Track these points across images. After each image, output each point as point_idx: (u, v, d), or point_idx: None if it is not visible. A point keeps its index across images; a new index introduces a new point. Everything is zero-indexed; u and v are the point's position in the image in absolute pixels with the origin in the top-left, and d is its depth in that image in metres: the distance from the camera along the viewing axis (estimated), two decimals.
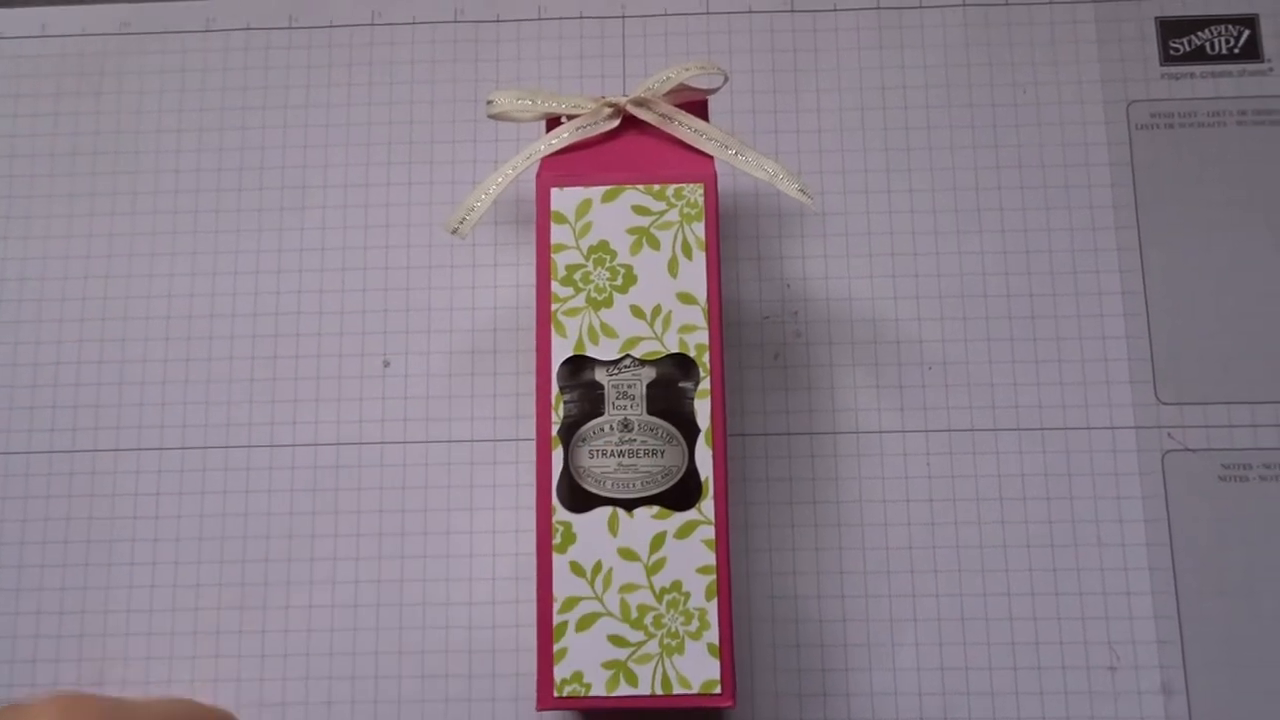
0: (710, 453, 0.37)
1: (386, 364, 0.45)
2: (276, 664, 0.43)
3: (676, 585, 0.36)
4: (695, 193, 0.38)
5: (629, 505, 0.36)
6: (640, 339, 0.37)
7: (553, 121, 0.42)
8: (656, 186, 0.38)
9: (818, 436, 0.44)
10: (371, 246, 0.46)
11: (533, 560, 0.42)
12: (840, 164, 0.47)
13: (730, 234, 0.46)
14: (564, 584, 0.36)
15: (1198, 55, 0.47)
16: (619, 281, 0.38)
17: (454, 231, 0.41)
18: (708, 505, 0.36)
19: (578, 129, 0.41)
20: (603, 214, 0.38)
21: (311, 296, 0.46)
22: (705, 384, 0.37)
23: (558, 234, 0.38)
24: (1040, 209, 0.46)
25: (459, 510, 0.44)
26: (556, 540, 0.36)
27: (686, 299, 0.38)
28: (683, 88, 0.41)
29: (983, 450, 0.44)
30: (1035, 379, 0.44)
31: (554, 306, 0.38)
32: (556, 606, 0.36)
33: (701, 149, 0.40)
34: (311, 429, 0.45)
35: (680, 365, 0.37)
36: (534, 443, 0.43)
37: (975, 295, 0.45)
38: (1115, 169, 0.46)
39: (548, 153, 0.40)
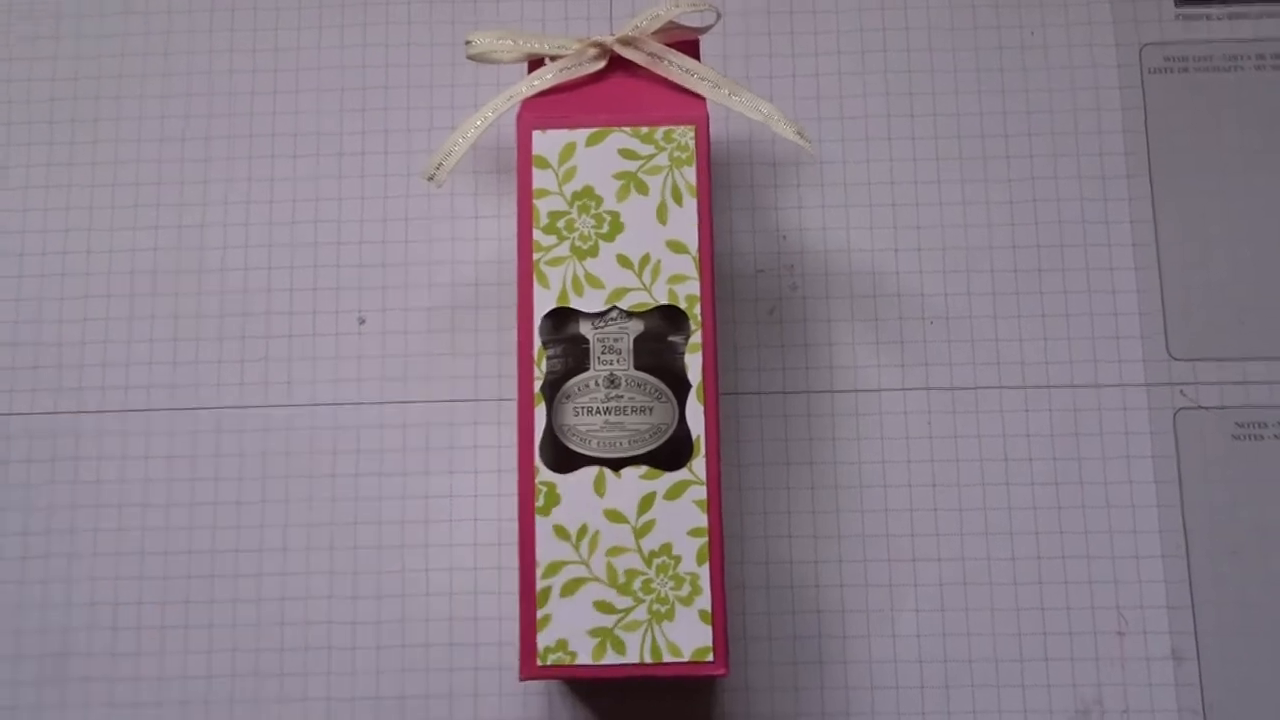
0: (702, 409, 0.35)
1: (362, 321, 0.43)
2: (249, 634, 0.41)
3: (666, 548, 0.34)
4: (686, 135, 0.36)
5: (616, 465, 0.35)
6: (627, 290, 0.35)
7: (535, 63, 0.40)
8: (645, 129, 0.36)
9: (814, 395, 0.42)
10: (345, 198, 0.44)
11: (516, 525, 0.40)
12: (839, 110, 0.44)
13: (723, 183, 0.44)
14: (547, 548, 0.34)
15: None
16: (605, 229, 0.36)
17: (430, 179, 0.39)
18: (699, 464, 0.35)
19: (562, 70, 0.38)
20: (587, 158, 0.36)
21: (282, 250, 0.44)
22: (696, 337, 0.35)
23: (540, 179, 0.36)
24: (1048, 156, 0.44)
25: (438, 474, 0.42)
26: (539, 502, 0.35)
27: (677, 247, 0.36)
28: (672, 26, 0.39)
29: (987, 409, 0.42)
30: (1042, 334, 0.42)
31: (536, 256, 0.36)
32: (539, 571, 0.34)
33: (693, 90, 0.38)
34: (284, 389, 0.43)
35: (670, 318, 0.36)
36: (516, 403, 0.41)
37: (980, 247, 0.43)
38: (1127, 115, 0.44)
39: (529, 94, 0.38)
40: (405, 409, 0.42)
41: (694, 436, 0.35)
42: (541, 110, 0.37)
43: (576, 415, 0.35)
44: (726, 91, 0.38)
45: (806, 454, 0.42)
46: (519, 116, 0.37)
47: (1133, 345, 0.42)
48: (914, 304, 0.43)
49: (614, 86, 0.38)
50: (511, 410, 0.42)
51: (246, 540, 0.42)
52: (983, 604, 0.41)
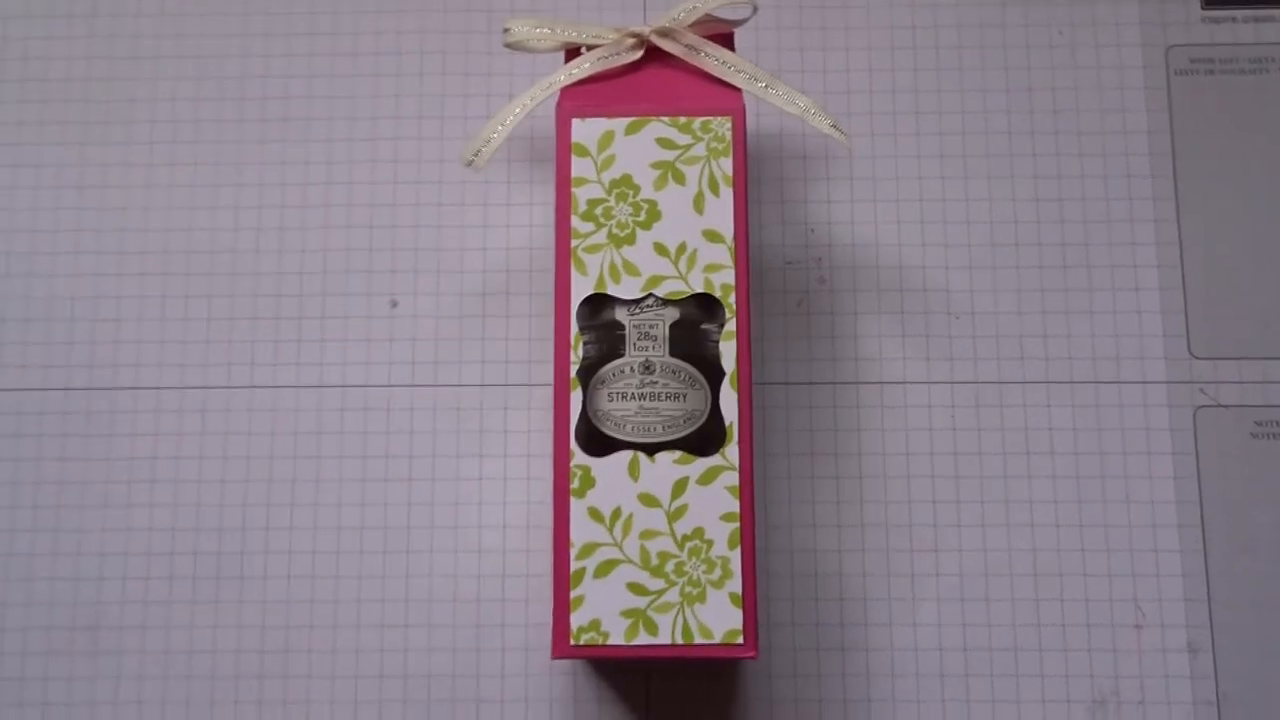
0: (735, 397, 0.35)
1: (394, 304, 0.44)
2: (279, 611, 0.41)
3: (699, 532, 0.35)
4: (723, 126, 0.37)
5: (650, 450, 0.35)
6: (664, 278, 0.36)
7: (571, 53, 0.40)
8: (683, 119, 0.37)
9: (840, 386, 0.43)
10: (379, 182, 0.44)
11: (545, 509, 0.41)
12: (868, 105, 0.45)
13: (753, 176, 0.44)
14: (582, 530, 0.35)
15: None
16: (642, 217, 0.36)
17: (469, 164, 0.39)
18: (732, 451, 0.35)
19: (599, 60, 0.39)
20: (626, 147, 0.37)
21: (316, 233, 0.44)
22: (731, 325, 0.36)
23: (578, 167, 0.36)
24: (1074, 155, 0.44)
25: (468, 457, 0.42)
26: (575, 485, 0.35)
27: (712, 237, 0.36)
28: (708, 19, 0.39)
29: (1010, 403, 0.43)
30: (1065, 331, 0.43)
31: (574, 243, 0.36)
32: (574, 553, 0.34)
33: (729, 81, 0.38)
34: (316, 371, 0.43)
35: (704, 306, 0.36)
36: (547, 389, 0.42)
37: (1005, 244, 0.44)
38: (1152, 116, 0.45)
39: (568, 83, 0.38)
40: (436, 392, 0.43)
41: (727, 423, 0.35)
42: (581, 98, 0.38)
43: (611, 400, 0.35)
44: (763, 84, 0.38)
45: (831, 445, 0.42)
46: (558, 104, 0.37)
47: (1155, 343, 0.43)
48: (940, 299, 0.43)
49: (651, 77, 0.39)
50: (542, 395, 0.43)
51: (276, 518, 0.42)
52: (1003, 594, 0.41)
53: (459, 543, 0.42)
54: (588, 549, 0.35)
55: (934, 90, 0.45)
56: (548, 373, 0.42)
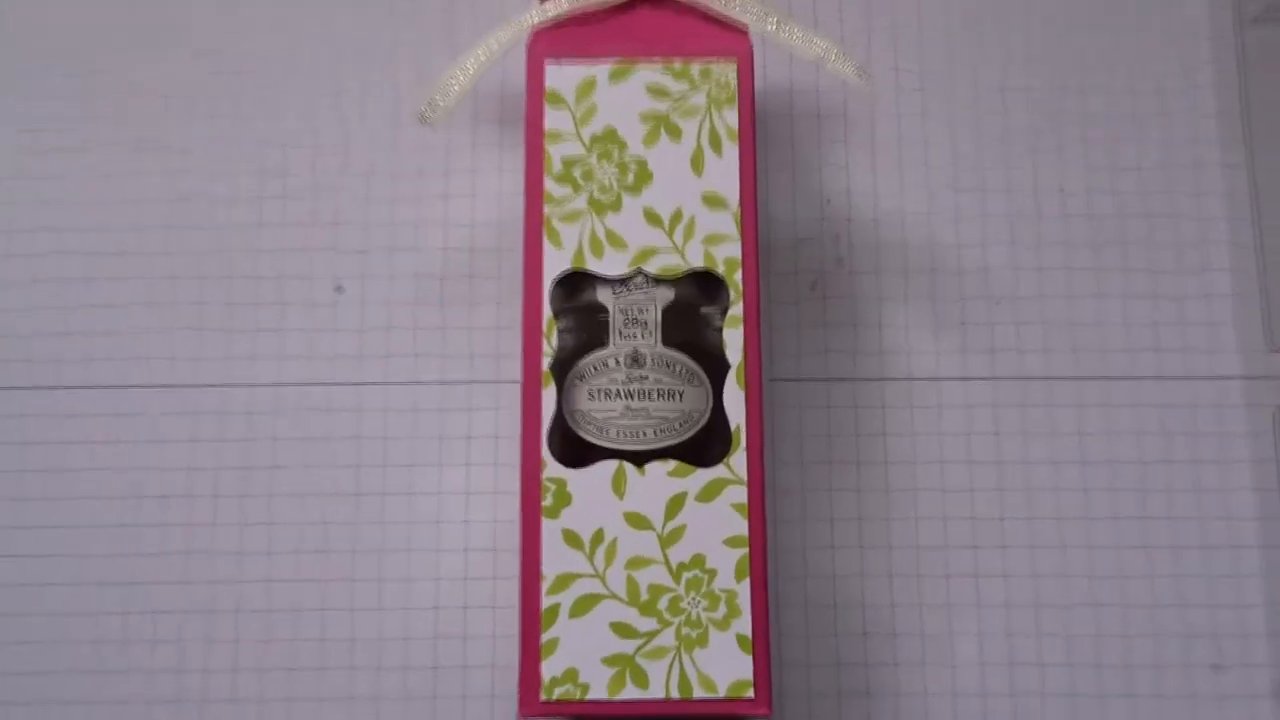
0: (742, 395, 0.31)
1: (339, 289, 0.39)
2: (196, 651, 0.36)
3: (699, 561, 0.30)
4: (726, 72, 0.33)
5: (639, 459, 0.30)
6: (655, 251, 0.32)
7: None
8: (678, 63, 0.33)
9: (862, 384, 0.38)
10: (323, 146, 0.39)
11: (515, 528, 0.36)
12: (893, 58, 0.40)
13: (759, 139, 0.40)
14: (555, 557, 0.30)
15: None
16: (630, 179, 0.32)
17: (423, 119, 0.34)
18: (739, 460, 0.31)
19: None
20: (610, 96, 0.33)
21: (248, 206, 0.39)
22: (736, 309, 0.31)
23: (553, 120, 0.33)
24: (1129, 116, 0.40)
25: (425, 467, 0.37)
26: (547, 502, 0.30)
27: (714, 202, 0.32)
28: None
29: (1061, 403, 0.38)
30: (1123, 318, 0.38)
31: (547, 210, 0.32)
32: (545, 586, 0.30)
33: (734, 21, 0.34)
34: (247, 366, 0.38)
35: (704, 285, 0.32)
36: (516, 386, 0.36)
37: (1052, 217, 0.39)
38: (1221, 71, 0.40)
39: (541, 23, 0.33)
40: (387, 391, 0.38)
41: (732, 427, 0.31)
42: (556, 40, 0.33)
43: (592, 399, 0.31)
44: (775, 22, 0.33)
45: (853, 452, 0.38)
46: (529, 47, 0.33)
47: (1227, 333, 0.38)
48: (977, 281, 0.39)
49: (641, 16, 0.34)
50: (511, 394, 0.38)
51: (198, 541, 0.36)
52: (1056, 629, 0.36)
53: (413, 569, 0.37)
54: (563, 581, 0.30)
55: (972, 42, 0.40)
56: (517, 368, 0.36)
